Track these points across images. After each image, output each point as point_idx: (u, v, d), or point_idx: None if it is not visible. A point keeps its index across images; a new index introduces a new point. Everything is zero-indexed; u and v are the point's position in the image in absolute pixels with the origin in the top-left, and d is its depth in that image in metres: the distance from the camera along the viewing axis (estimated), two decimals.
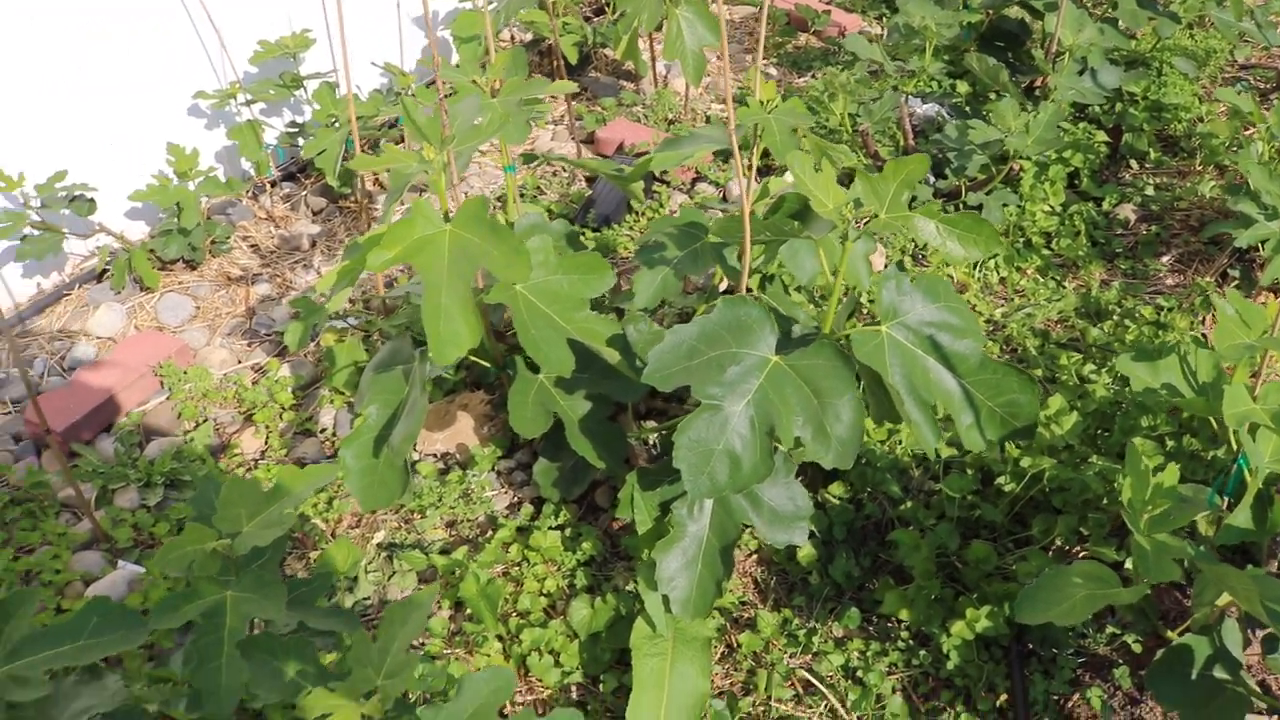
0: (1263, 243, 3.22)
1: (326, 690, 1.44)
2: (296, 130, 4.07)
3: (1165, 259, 3.63)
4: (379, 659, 1.50)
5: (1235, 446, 2.24)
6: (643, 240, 2.55)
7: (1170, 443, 2.62)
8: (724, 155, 4.00)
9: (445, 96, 2.31)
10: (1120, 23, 3.99)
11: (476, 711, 1.52)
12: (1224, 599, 2.03)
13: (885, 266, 3.29)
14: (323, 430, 2.98)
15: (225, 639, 1.59)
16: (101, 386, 3.05)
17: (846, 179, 3.79)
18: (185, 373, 3.14)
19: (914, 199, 3.37)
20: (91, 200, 3.44)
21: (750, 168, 2.33)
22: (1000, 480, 2.55)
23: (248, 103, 3.87)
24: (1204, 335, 3.28)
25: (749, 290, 2.40)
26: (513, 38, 4.78)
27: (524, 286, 2.26)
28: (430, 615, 2.41)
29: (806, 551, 2.48)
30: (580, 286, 2.27)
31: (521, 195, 3.84)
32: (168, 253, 3.55)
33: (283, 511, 1.65)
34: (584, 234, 3.54)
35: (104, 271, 3.60)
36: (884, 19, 5.17)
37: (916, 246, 3.53)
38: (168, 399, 3.12)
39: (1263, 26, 4.19)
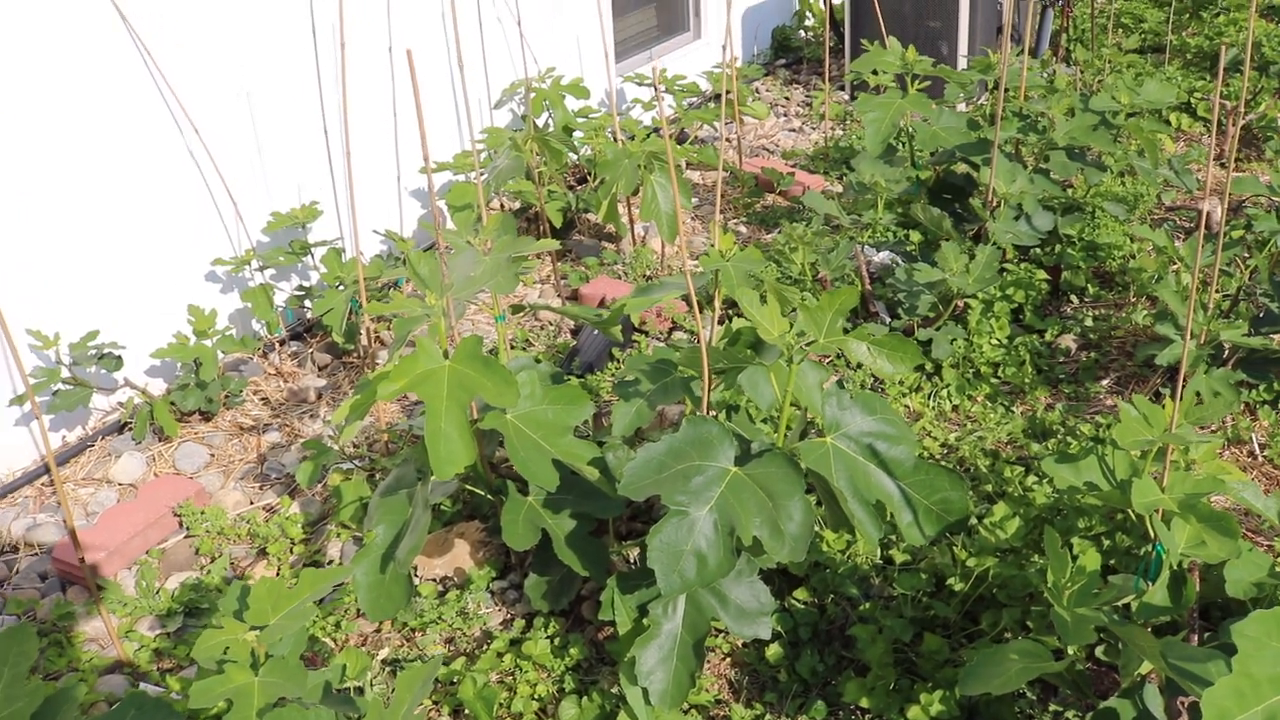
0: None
1: None
2: (304, 293, 4.43)
3: (1104, 382, 3.95)
4: (392, 715, 1.74)
5: (1154, 534, 2.51)
6: (619, 376, 2.86)
7: (1106, 541, 2.88)
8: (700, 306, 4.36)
9: (443, 255, 2.65)
10: (1052, 173, 4.40)
11: None
12: (1146, 666, 2.26)
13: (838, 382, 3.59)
14: (331, 562, 3.23)
15: (253, 717, 1.83)
16: (125, 526, 3.31)
17: None
18: (203, 512, 3.41)
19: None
20: (119, 357, 3.77)
21: (712, 308, 2.66)
22: (951, 581, 2.80)
23: (260, 268, 4.24)
24: None
25: (715, 415, 2.70)
26: (502, 205, 5.20)
27: (513, 415, 2.56)
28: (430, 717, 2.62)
29: (775, 650, 2.72)
30: (563, 415, 2.58)
31: (511, 346, 4.18)
32: (186, 404, 3.85)
33: (305, 605, 1.90)
34: (569, 379, 3.86)
35: (126, 424, 3.89)
36: (843, 178, 5.62)
37: (877, 381, 3.85)
38: (186, 537, 3.38)
39: (1180, 173, 4.62)
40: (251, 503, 3.56)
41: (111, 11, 3.65)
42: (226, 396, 3.99)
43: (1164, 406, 2.56)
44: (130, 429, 3.86)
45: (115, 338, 3.82)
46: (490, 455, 3.02)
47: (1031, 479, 3.28)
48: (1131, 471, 2.63)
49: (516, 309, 3.17)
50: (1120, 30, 7.39)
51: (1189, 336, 3.47)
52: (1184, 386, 3.44)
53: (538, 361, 2.85)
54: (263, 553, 3.30)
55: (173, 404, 3.85)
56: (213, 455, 3.80)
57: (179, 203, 4.03)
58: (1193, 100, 6.12)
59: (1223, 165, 5.65)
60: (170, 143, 3.95)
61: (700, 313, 2.34)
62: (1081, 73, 6.39)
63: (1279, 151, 5.63)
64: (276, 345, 4.33)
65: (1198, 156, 5.35)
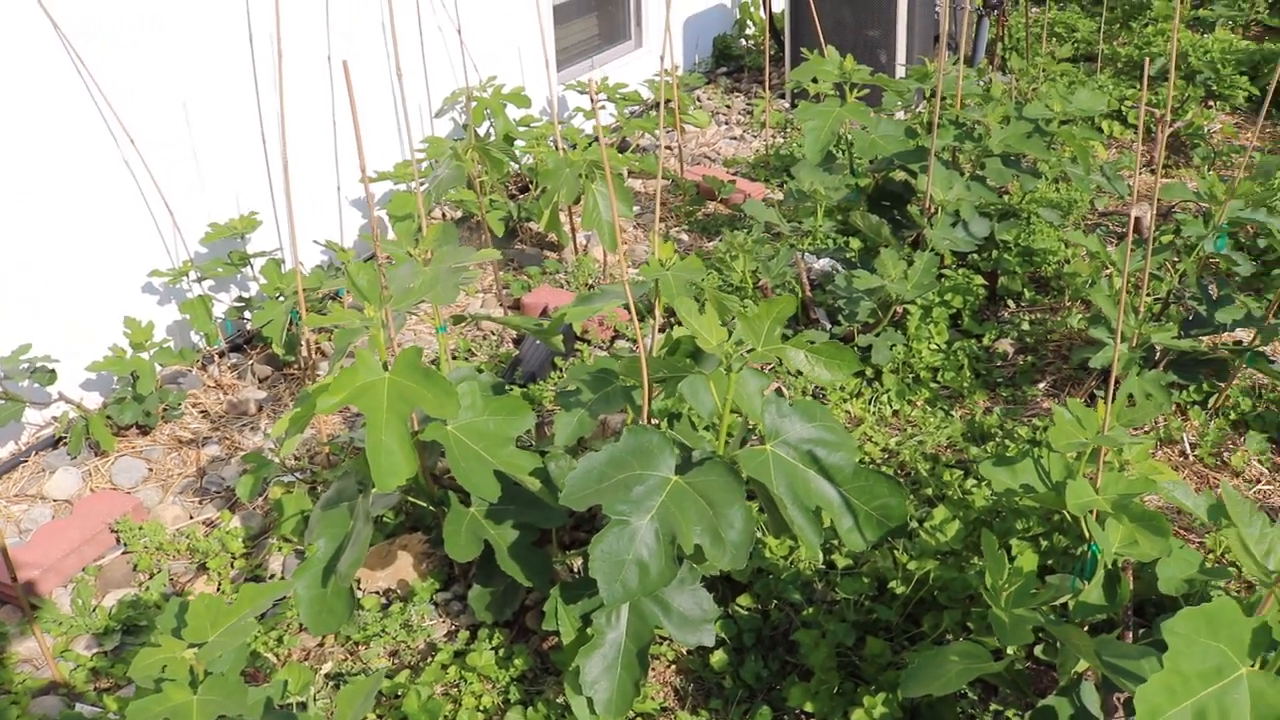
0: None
1: None
2: (243, 304, 4.38)
3: (1041, 385, 4.02)
4: None
5: (1089, 535, 2.56)
6: (560, 386, 2.86)
7: (1044, 542, 2.93)
8: (637, 313, 4.38)
9: (383, 265, 2.64)
10: (988, 180, 4.47)
11: None
12: (1083, 664, 2.31)
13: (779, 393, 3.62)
14: (272, 576, 3.20)
15: None
16: (60, 543, 3.26)
17: None
18: (140, 528, 3.35)
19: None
20: (52, 371, 3.70)
21: (653, 317, 2.67)
22: (892, 584, 2.83)
23: (199, 279, 4.18)
24: None
25: (656, 424, 2.71)
26: (444, 214, 5.18)
27: (455, 426, 2.55)
28: None
29: (719, 657, 2.73)
30: (505, 426, 2.57)
31: (454, 357, 4.16)
32: (123, 419, 3.79)
33: (245, 621, 1.88)
34: (511, 389, 3.86)
35: (60, 439, 3.82)
36: (784, 185, 5.67)
37: (820, 389, 3.88)
38: (124, 553, 3.33)
39: (1112, 179, 4.71)
40: (191, 517, 3.51)
41: (41, 17, 3.59)
42: (165, 410, 3.94)
43: (1097, 409, 2.61)
44: (65, 444, 3.79)
45: (49, 350, 3.75)
46: (432, 466, 3.01)
47: (971, 482, 3.33)
48: (1066, 473, 2.68)
49: (458, 319, 3.16)
50: (1054, 39, 7.53)
51: (1119, 340, 3.55)
52: (1116, 389, 3.51)
53: (480, 371, 2.85)
54: (203, 568, 3.26)
55: (109, 418, 3.79)
56: (151, 469, 3.74)
57: (114, 213, 3.97)
58: (1123, 108, 6.25)
59: (1152, 171, 5.77)
60: (105, 152, 3.89)
61: (640, 322, 2.35)
62: (1016, 81, 6.49)
63: (1205, 158, 5.78)
64: (216, 357, 4.28)
65: (1128, 163, 5.47)
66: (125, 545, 3.34)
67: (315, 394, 2.32)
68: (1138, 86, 6.60)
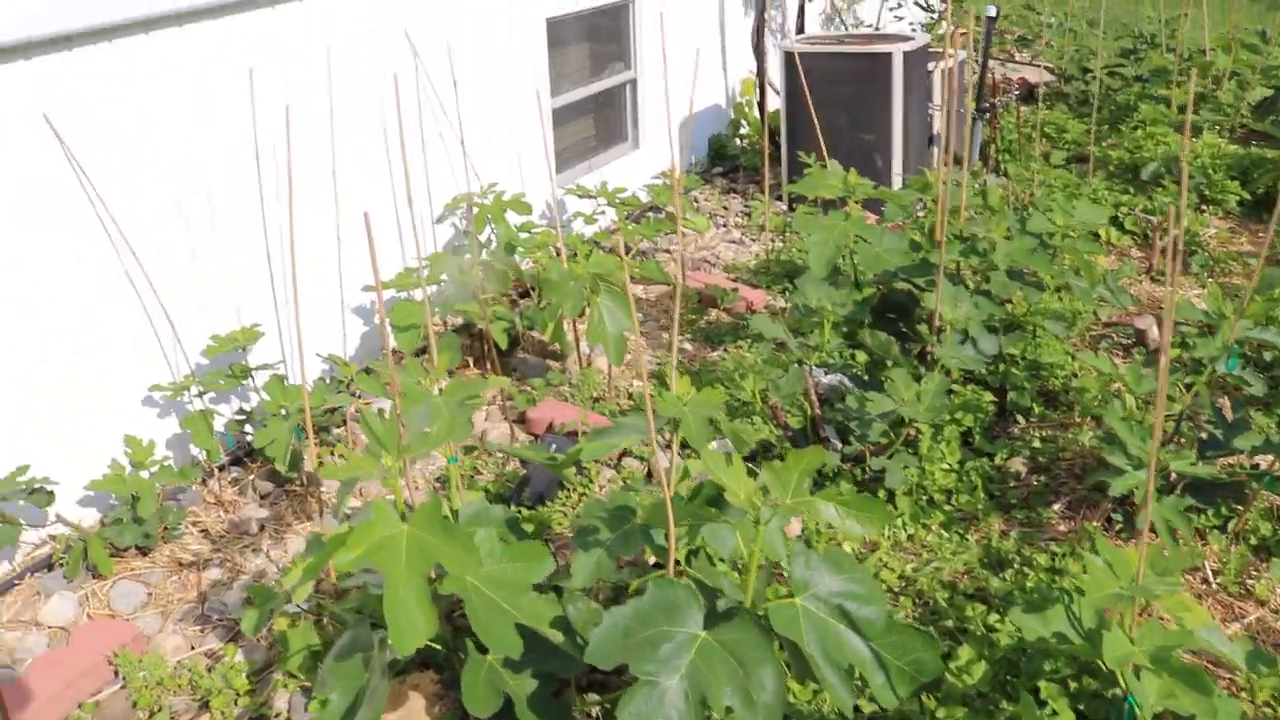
0: (1134, 489, 3.57)
1: None
2: (245, 417, 4.32)
3: (1056, 506, 3.97)
4: None
5: (1125, 686, 2.49)
6: (576, 524, 2.80)
7: (1073, 684, 2.86)
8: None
9: (389, 387, 2.59)
10: (993, 292, 4.47)
11: None
12: None
13: (800, 534, 3.56)
14: (278, 715, 3.09)
15: None
16: (56, 676, 3.15)
17: (763, 447, 4.13)
18: (140, 660, 3.25)
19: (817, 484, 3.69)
20: (50, 493, 3.62)
21: (670, 454, 2.62)
22: None
23: (200, 394, 4.12)
24: None
25: (677, 564, 2.65)
26: (445, 322, 5.14)
27: (474, 576, 2.48)
28: None
29: None
30: (524, 573, 2.51)
31: (460, 475, 4.10)
32: (122, 541, 3.71)
33: None
34: (521, 513, 3.80)
35: (59, 561, 3.72)
36: (787, 292, 5.67)
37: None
38: (122, 687, 3.22)
39: (1115, 292, 4.72)
40: (193, 648, 3.41)
41: (41, 126, 3.57)
42: (165, 529, 3.85)
43: (1129, 555, 2.56)
44: (62, 566, 3.69)
45: (45, 464, 3.66)
46: (446, 609, 2.93)
47: (994, 617, 3.26)
48: (1099, 620, 2.62)
49: (469, 449, 3.10)
50: (1045, 139, 7.62)
51: (1146, 471, 3.51)
52: (1133, 519, 3.47)
53: (488, 496, 2.78)
54: (205, 705, 3.15)
55: (108, 540, 3.70)
56: (150, 594, 3.65)
57: (114, 325, 3.92)
58: (1120, 213, 6.30)
59: (1153, 279, 5.80)
60: (105, 263, 3.85)
61: (660, 469, 2.31)
62: (1012, 184, 6.55)
63: (1203, 265, 5.81)
64: (216, 471, 4.20)
65: (1128, 271, 5.50)
66: (124, 679, 3.24)
67: (331, 546, 2.25)
68: (1131, 190, 6.67)
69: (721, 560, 3.29)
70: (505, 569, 2.50)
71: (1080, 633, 2.64)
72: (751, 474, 2.56)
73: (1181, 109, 7.73)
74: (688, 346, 5.18)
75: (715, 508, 2.51)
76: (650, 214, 6.68)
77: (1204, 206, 6.49)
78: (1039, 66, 9.71)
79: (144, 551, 3.81)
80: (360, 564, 2.16)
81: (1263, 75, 7.80)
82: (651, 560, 3.16)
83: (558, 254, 5.25)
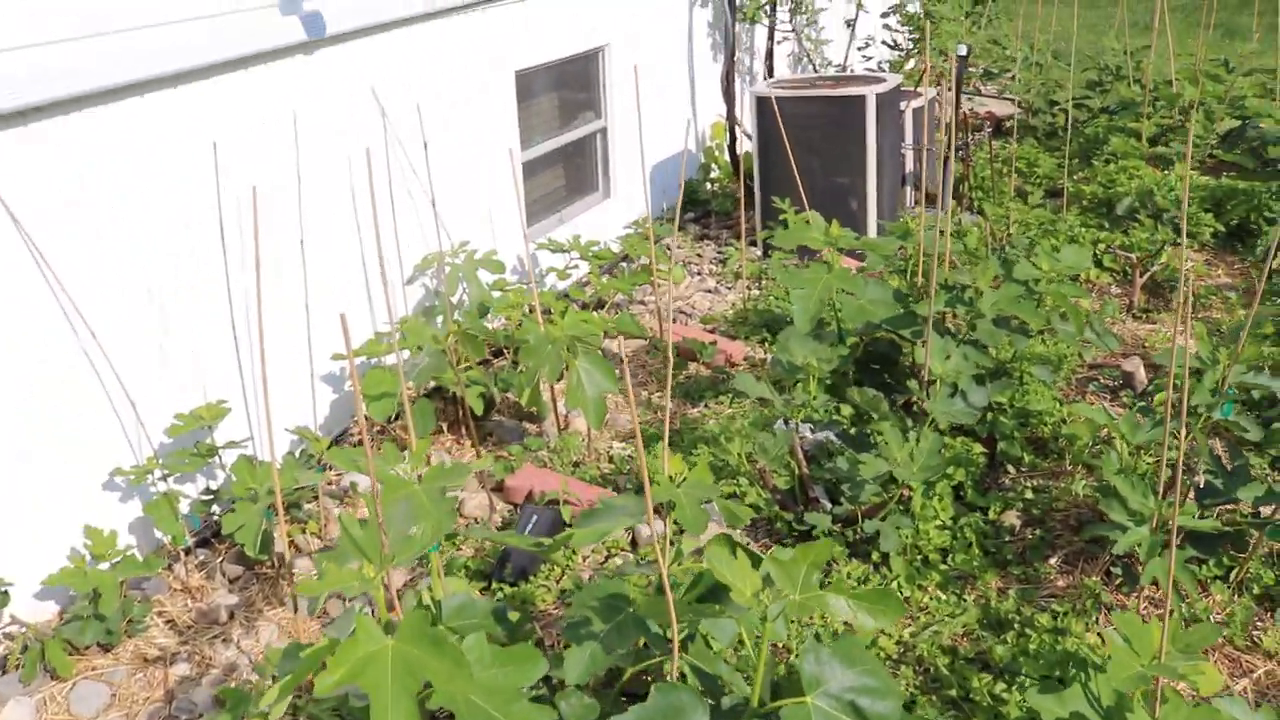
0: (1137, 546, 3.47)
1: None
2: (211, 497, 4.15)
3: (1053, 561, 3.87)
4: None
5: None
6: (567, 618, 2.66)
7: None
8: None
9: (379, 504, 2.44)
10: (980, 340, 4.38)
11: None
12: None
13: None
14: None
15: None
16: None
17: (763, 520, 4.01)
18: None
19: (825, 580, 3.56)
20: (4, 594, 3.44)
21: (665, 541, 2.49)
22: None
23: (163, 476, 3.95)
24: (1100, 635, 3.47)
25: (677, 654, 2.51)
26: (418, 388, 4.99)
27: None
28: None
29: None
30: (515, 677, 2.36)
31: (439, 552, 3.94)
32: (83, 639, 3.52)
33: None
34: (503, 591, 3.65)
35: (14, 664, 3.53)
36: (765, 343, 5.56)
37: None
38: None
39: (1101, 334, 4.65)
40: None
41: None
42: (128, 623, 3.66)
43: (1123, 590, 2.45)
44: (18, 669, 3.49)
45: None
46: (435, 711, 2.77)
47: (1000, 686, 3.14)
48: (1117, 697, 2.51)
49: (450, 536, 2.96)
50: (1017, 175, 7.58)
51: (1142, 523, 3.42)
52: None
53: (468, 574, 2.63)
54: None
55: (67, 641, 3.51)
56: (114, 695, 3.45)
57: (71, 406, 3.73)
58: (1097, 251, 6.25)
59: (1135, 317, 5.74)
60: (61, 344, 3.67)
61: (662, 556, 2.17)
62: (988, 221, 6.48)
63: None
64: (182, 555, 4.02)
65: (1111, 311, 5.44)
66: None
67: (307, 663, 2.10)
68: (1105, 225, 6.63)
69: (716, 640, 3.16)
70: (496, 675, 2.35)
71: (1099, 712, 2.53)
72: (747, 551, 2.44)
73: (1153, 142, 7.74)
74: (669, 405, 5.05)
75: (716, 599, 2.38)
76: (623, 264, 6.57)
77: (1179, 240, 6.45)
78: (1005, 100, 9.72)
79: (106, 648, 3.62)
80: (343, 685, 2.01)
81: (1230, 106, 7.81)
82: (642, 641, 3.01)
83: (530, 312, 5.13)
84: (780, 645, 3.27)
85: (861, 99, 6.34)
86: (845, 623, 2.17)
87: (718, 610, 2.22)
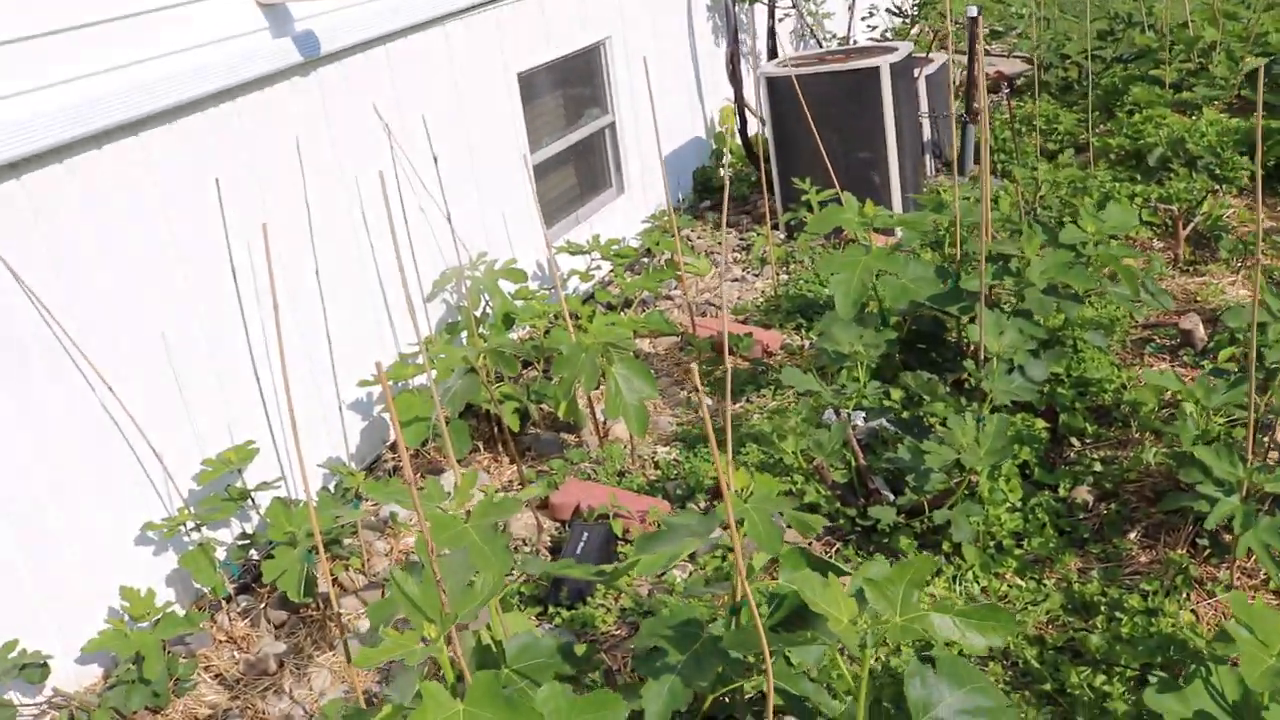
0: (1231, 517, 3.27)
1: None
2: (248, 541, 3.99)
3: (1132, 535, 3.68)
4: None
5: None
6: (637, 645, 2.49)
7: None
8: (682, 502, 4.03)
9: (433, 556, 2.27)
10: (1031, 311, 4.18)
11: None
12: None
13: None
14: None
15: None
16: None
17: (809, 509, 3.82)
18: None
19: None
20: (44, 666, 3.29)
21: (739, 570, 2.30)
22: None
23: (196, 526, 3.79)
24: (1194, 613, 3.29)
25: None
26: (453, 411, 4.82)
27: None
28: None
29: None
30: None
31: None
32: (129, 705, 3.37)
33: None
34: (560, 614, 3.48)
35: None
36: (801, 328, 5.37)
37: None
38: None
39: (1156, 294, 4.45)
40: None
41: None
42: (175, 682, 3.51)
43: (1211, 561, 2.25)
44: None
45: (33, 625, 3.32)
46: None
47: (1100, 678, 2.95)
48: (1243, 690, 2.32)
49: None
50: (1038, 134, 7.35)
51: (1232, 493, 3.22)
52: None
53: (521, 595, 2.45)
54: None
55: (114, 709, 3.36)
56: None
57: (95, 464, 3.58)
58: (1135, 205, 6.02)
59: (1183, 271, 5.53)
60: (81, 401, 3.52)
61: (745, 585, 2.00)
62: (1017, 185, 6.27)
63: (1232, 250, 5.54)
64: (224, 604, 3.87)
65: (1159, 268, 5.24)
66: None
67: None
68: (1137, 178, 6.41)
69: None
70: None
71: (1224, 707, 2.34)
72: (834, 567, 2.26)
73: (1176, 88, 7.49)
74: (707, 400, 4.87)
75: (805, 623, 2.19)
76: (644, 259, 6.38)
77: (1217, 186, 6.22)
78: (1013, 58, 9.48)
79: (155, 710, 3.47)
80: None
81: (1253, 44, 7.56)
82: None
83: (556, 319, 4.96)
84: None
85: (876, 70, 6.13)
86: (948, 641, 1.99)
87: (810, 638, 2.05)
